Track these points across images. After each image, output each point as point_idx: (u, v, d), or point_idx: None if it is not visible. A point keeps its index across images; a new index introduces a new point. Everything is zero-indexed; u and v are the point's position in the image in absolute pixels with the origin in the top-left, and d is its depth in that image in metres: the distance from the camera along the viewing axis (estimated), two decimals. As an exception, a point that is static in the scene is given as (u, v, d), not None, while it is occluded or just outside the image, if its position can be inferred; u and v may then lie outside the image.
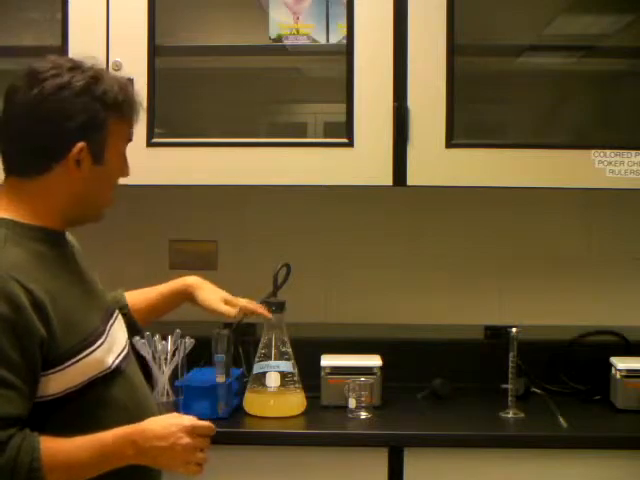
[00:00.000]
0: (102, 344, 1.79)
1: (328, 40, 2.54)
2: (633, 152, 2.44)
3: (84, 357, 1.73)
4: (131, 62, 2.47)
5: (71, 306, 1.74)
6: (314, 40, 2.54)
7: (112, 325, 1.89)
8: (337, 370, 2.53)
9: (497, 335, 2.72)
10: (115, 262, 2.86)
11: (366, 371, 2.51)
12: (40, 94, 1.71)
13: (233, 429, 2.36)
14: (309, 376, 2.51)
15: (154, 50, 2.49)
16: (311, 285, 2.78)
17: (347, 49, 2.46)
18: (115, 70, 2.46)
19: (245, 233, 2.85)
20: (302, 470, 2.29)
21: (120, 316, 2.00)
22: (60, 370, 1.70)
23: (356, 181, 2.48)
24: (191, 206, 2.81)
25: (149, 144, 2.49)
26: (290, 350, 2.47)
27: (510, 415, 2.45)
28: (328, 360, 2.55)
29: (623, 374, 2.50)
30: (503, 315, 2.79)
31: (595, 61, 2.67)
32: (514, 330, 2.48)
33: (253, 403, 2.46)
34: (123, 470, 1.74)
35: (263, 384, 2.45)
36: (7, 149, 1.77)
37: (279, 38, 2.55)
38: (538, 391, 2.66)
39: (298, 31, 2.54)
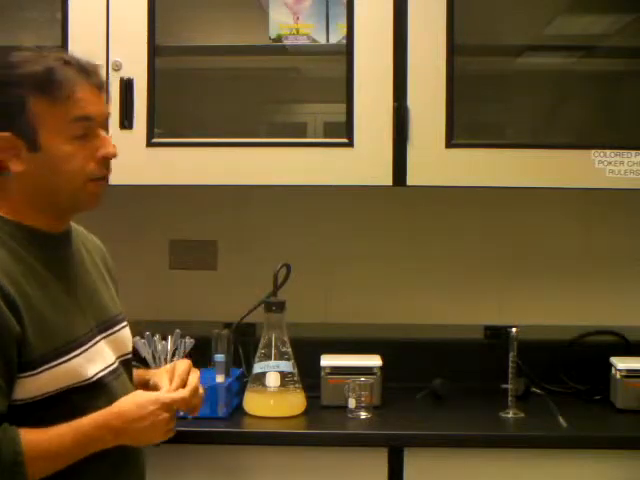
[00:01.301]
0: (80, 354, 1.74)
1: (328, 40, 2.54)
2: (633, 152, 2.44)
3: (57, 365, 1.69)
4: (131, 62, 2.47)
5: (48, 312, 1.70)
6: (314, 40, 2.54)
7: (103, 338, 1.84)
8: (337, 370, 2.53)
9: (497, 335, 2.72)
10: (115, 262, 2.85)
11: (366, 371, 2.51)
12: None
13: (233, 429, 2.36)
14: (309, 376, 2.51)
15: (154, 50, 2.49)
16: (311, 285, 2.78)
17: (347, 49, 2.46)
18: (115, 70, 2.47)
19: (245, 233, 2.85)
20: (302, 470, 2.29)
21: (123, 331, 1.95)
22: (31, 375, 1.66)
23: (356, 181, 2.48)
24: (191, 206, 2.81)
25: (149, 144, 2.49)
26: (290, 350, 2.47)
27: (510, 415, 2.45)
28: (328, 360, 2.55)
29: (623, 374, 2.50)
30: (503, 315, 2.79)
31: (595, 61, 2.67)
32: (514, 330, 2.48)
33: (253, 403, 2.46)
34: (104, 451, 1.73)
35: (263, 384, 2.45)
36: None
37: (279, 38, 2.55)
38: (538, 391, 2.66)
39: (298, 31, 2.54)
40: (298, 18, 2.54)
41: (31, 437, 1.64)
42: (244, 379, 2.54)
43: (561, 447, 2.29)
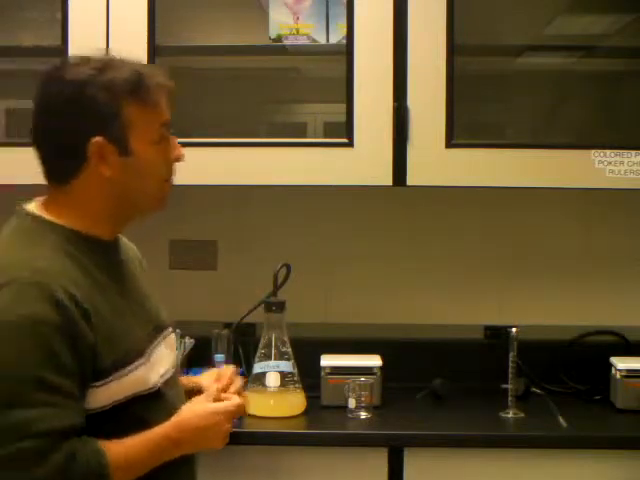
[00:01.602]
0: (144, 362, 1.73)
1: (328, 40, 2.54)
2: (633, 152, 2.44)
3: (125, 374, 1.68)
4: (131, 62, 2.47)
5: (113, 320, 1.68)
6: (314, 40, 2.54)
7: (159, 344, 1.83)
8: (337, 370, 2.53)
9: (497, 335, 2.72)
10: (115, 262, 2.86)
11: (366, 371, 2.51)
12: (47, 96, 1.68)
13: (233, 429, 2.36)
14: (309, 376, 2.51)
15: (154, 50, 2.49)
16: (311, 285, 2.78)
17: (347, 49, 2.46)
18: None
19: (245, 233, 2.85)
20: (302, 470, 2.29)
21: (172, 336, 1.95)
22: (103, 384, 1.65)
23: (356, 181, 2.48)
24: (191, 206, 2.81)
25: (149, 144, 2.49)
26: (290, 350, 2.47)
27: (510, 415, 2.45)
28: (328, 360, 2.55)
29: (623, 374, 2.50)
30: (503, 315, 2.79)
31: (595, 61, 2.67)
32: (514, 330, 2.48)
33: (253, 403, 2.46)
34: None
35: (263, 384, 2.45)
36: (40, 158, 1.73)
37: (279, 38, 2.55)
38: (538, 391, 2.66)
39: (298, 31, 2.55)
40: (298, 18, 2.54)
41: (111, 449, 1.63)
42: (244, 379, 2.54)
43: (561, 447, 2.29)
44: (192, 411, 1.80)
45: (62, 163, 1.71)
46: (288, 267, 2.49)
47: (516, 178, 2.47)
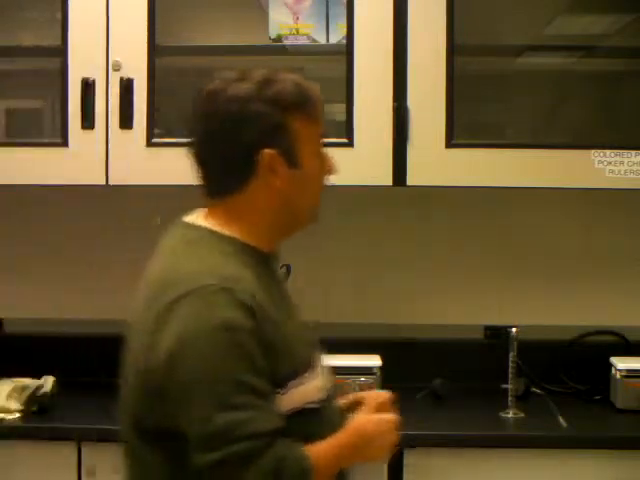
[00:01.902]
0: (311, 377, 1.71)
1: (328, 40, 2.54)
2: (633, 152, 2.45)
3: (295, 386, 1.66)
4: (131, 62, 2.47)
5: (286, 330, 1.67)
6: (314, 40, 2.55)
7: (319, 358, 1.82)
8: (337, 370, 2.52)
9: (497, 335, 2.72)
10: (115, 263, 2.86)
11: (366, 371, 2.51)
12: (214, 113, 1.68)
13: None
14: (309, 376, 2.50)
15: (154, 50, 2.49)
16: (311, 285, 2.78)
17: (347, 49, 2.46)
18: (115, 70, 2.47)
19: (245, 233, 2.84)
20: (302, 470, 2.29)
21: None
22: (282, 394, 1.63)
23: (356, 181, 2.48)
24: (191, 206, 2.80)
25: (149, 144, 2.49)
26: (290, 350, 2.47)
27: (510, 415, 2.45)
28: (328, 360, 2.55)
29: (623, 374, 2.50)
30: (503, 315, 2.78)
31: (595, 61, 2.67)
32: (514, 330, 2.48)
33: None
34: None
35: (263, 384, 2.44)
36: (203, 173, 1.73)
37: (279, 38, 2.55)
38: (538, 391, 2.66)
39: (298, 31, 2.55)
40: (298, 18, 2.54)
41: (311, 452, 1.61)
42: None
43: (561, 447, 2.29)
44: (365, 418, 1.77)
45: (230, 176, 1.70)
46: (288, 267, 2.49)
47: (516, 178, 2.47)
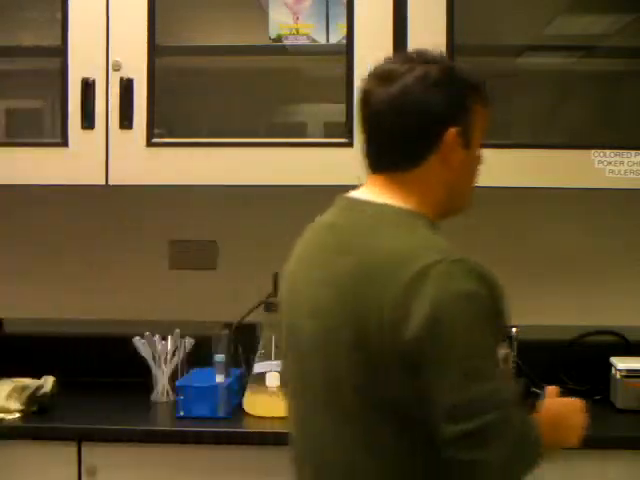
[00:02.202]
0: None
1: (328, 40, 2.54)
2: (633, 152, 2.44)
3: None
4: (131, 62, 2.47)
5: None
6: (314, 40, 2.54)
7: None
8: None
9: (497, 335, 2.71)
10: (115, 263, 2.86)
11: (366, 371, 2.50)
12: (403, 89, 1.68)
13: (233, 429, 2.37)
14: (309, 376, 2.50)
15: (154, 50, 2.49)
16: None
17: (347, 49, 2.46)
18: (115, 70, 2.47)
19: (245, 233, 2.84)
20: (302, 470, 2.29)
21: None
22: None
23: (355, 181, 2.47)
24: (191, 206, 2.81)
25: (149, 144, 2.49)
26: (290, 350, 2.47)
27: (510, 415, 2.45)
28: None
29: (623, 374, 2.50)
30: (503, 315, 2.78)
31: (595, 61, 2.67)
32: (514, 330, 2.47)
33: (253, 403, 2.46)
34: None
35: (263, 384, 2.45)
36: (376, 148, 1.75)
37: (279, 38, 2.55)
38: (538, 391, 2.65)
39: (298, 31, 2.55)
40: (298, 18, 2.54)
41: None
42: (244, 379, 2.54)
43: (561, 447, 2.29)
44: (555, 400, 1.80)
45: (412, 150, 1.71)
46: (288, 267, 2.49)
47: (516, 178, 2.47)
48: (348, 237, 1.69)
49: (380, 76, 1.73)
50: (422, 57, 1.73)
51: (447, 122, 1.68)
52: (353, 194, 1.77)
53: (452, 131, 1.68)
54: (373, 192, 1.73)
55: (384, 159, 1.73)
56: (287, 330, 1.73)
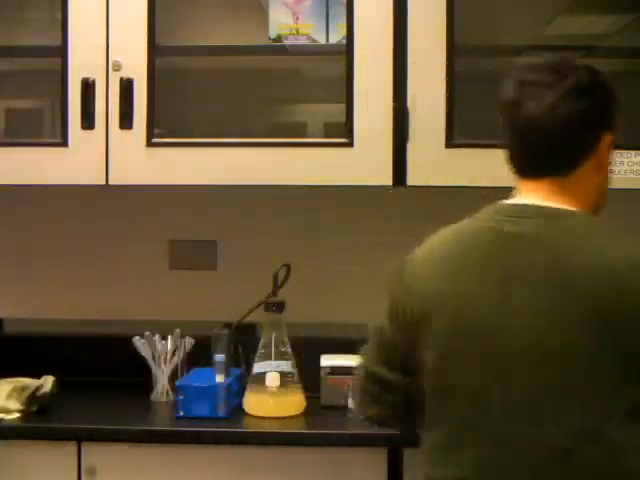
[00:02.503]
0: None
1: (328, 40, 2.54)
2: (633, 152, 2.44)
3: None
4: (131, 62, 2.47)
5: None
6: (314, 40, 2.55)
7: None
8: (337, 370, 2.53)
9: (497, 335, 2.71)
10: (115, 262, 2.86)
11: (366, 371, 2.50)
12: (561, 97, 1.74)
13: (233, 429, 2.37)
14: (309, 376, 2.51)
15: (154, 50, 2.49)
16: (311, 285, 2.78)
17: (347, 49, 2.46)
18: (115, 70, 2.47)
19: (245, 233, 2.84)
20: (302, 470, 2.29)
21: None
22: None
23: (356, 181, 2.48)
24: (191, 206, 2.81)
25: (149, 144, 2.49)
26: (290, 350, 2.47)
27: (510, 415, 2.44)
28: (328, 360, 2.55)
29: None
30: (503, 315, 2.78)
31: (595, 61, 2.64)
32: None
33: (253, 403, 2.46)
34: None
35: (263, 384, 2.45)
36: (532, 153, 1.78)
37: (279, 38, 2.55)
38: (538, 391, 2.65)
39: (298, 31, 2.55)
40: (298, 18, 2.54)
41: None
42: (244, 379, 2.54)
43: (561, 447, 2.28)
44: None
45: (574, 152, 1.76)
46: (288, 267, 2.49)
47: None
48: (562, 246, 1.69)
49: (532, 83, 1.80)
50: (568, 63, 1.82)
51: (602, 128, 1.77)
52: (525, 201, 1.78)
53: (608, 137, 1.77)
54: (544, 197, 1.76)
55: (545, 164, 1.77)
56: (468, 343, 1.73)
